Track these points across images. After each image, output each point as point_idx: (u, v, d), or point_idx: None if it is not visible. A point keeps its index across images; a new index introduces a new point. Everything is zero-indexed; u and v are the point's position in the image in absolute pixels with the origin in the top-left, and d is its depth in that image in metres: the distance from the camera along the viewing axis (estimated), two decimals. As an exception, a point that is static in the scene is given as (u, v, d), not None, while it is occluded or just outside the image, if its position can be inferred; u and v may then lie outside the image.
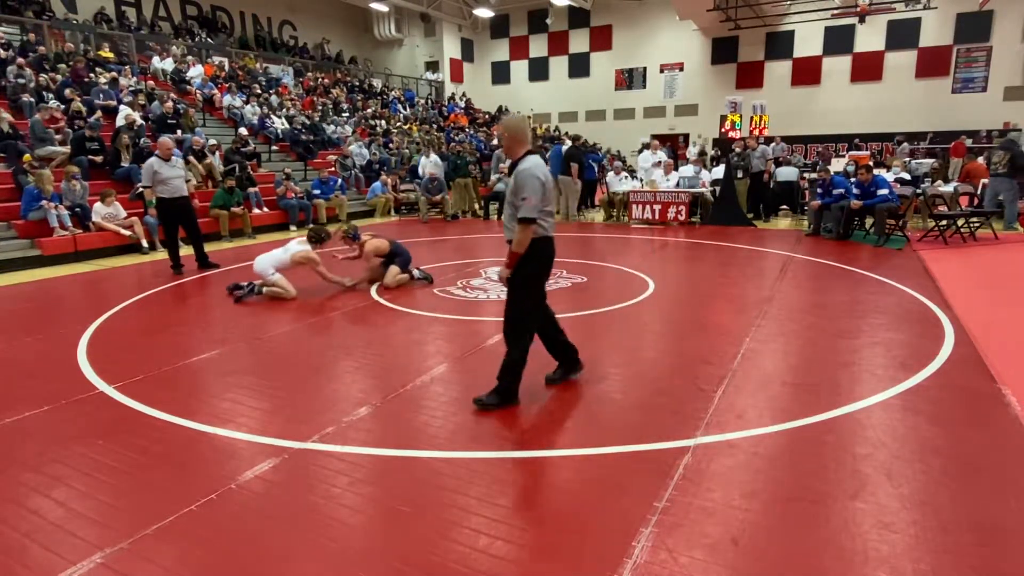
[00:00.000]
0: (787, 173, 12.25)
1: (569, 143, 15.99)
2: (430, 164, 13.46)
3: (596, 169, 14.78)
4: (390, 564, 2.19)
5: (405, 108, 21.81)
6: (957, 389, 3.63)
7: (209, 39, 20.22)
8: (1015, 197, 9.55)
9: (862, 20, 18.87)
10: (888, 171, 11.20)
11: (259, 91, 16.52)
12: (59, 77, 12.45)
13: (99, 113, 11.78)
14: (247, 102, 15.51)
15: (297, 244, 6.28)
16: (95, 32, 16.49)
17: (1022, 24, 18.86)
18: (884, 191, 8.77)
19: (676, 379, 3.92)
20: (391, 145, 16.90)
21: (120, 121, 11.54)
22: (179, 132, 12.12)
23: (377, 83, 23.58)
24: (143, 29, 18.72)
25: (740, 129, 12.03)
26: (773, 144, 11.58)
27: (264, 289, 6.13)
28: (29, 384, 4.02)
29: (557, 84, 26.45)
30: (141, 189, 8.28)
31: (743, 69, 22.91)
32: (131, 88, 13.34)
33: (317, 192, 12.58)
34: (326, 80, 20.68)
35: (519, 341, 3.44)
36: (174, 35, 19.15)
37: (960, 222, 8.98)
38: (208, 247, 8.28)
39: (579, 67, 25.91)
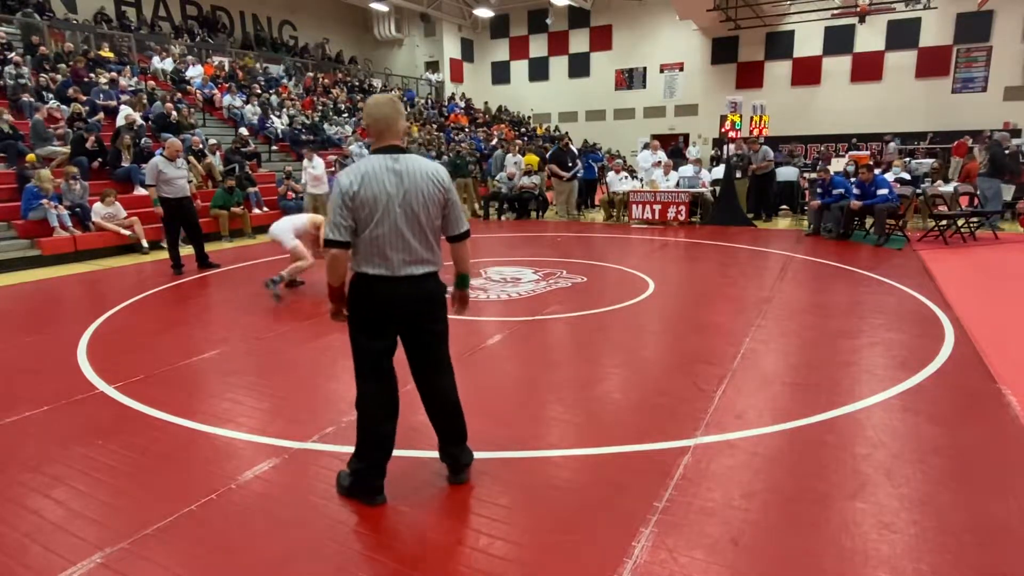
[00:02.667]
0: (787, 173, 12.25)
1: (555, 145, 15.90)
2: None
3: (596, 169, 14.78)
4: (390, 564, 2.19)
5: (405, 108, 21.78)
6: (957, 389, 3.62)
7: (209, 39, 20.21)
8: (996, 195, 9.63)
9: (862, 20, 18.85)
10: (888, 171, 11.21)
11: (259, 91, 16.53)
12: (59, 77, 12.46)
13: (101, 115, 11.78)
14: (247, 102, 15.51)
15: (313, 215, 6.68)
16: (95, 32, 16.49)
17: (1022, 24, 18.84)
18: (884, 191, 8.78)
19: (676, 379, 3.92)
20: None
21: (120, 121, 11.54)
22: (180, 132, 12.13)
23: (377, 83, 23.57)
24: (143, 29, 18.71)
25: (740, 129, 11.99)
26: (739, 153, 11.63)
27: (285, 273, 6.13)
28: (29, 384, 4.02)
29: (557, 84, 26.43)
30: (146, 192, 8.31)
31: (743, 69, 22.89)
32: (131, 88, 13.34)
33: (318, 192, 12.57)
34: (326, 80, 20.68)
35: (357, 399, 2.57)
36: (174, 35, 19.14)
37: (960, 222, 8.98)
38: (208, 247, 8.29)
39: (579, 67, 25.89)
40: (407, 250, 2.40)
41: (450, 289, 2.64)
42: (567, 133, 23.06)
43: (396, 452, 2.70)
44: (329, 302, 2.58)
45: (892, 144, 18.56)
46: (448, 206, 2.49)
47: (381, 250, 2.38)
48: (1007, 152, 9.91)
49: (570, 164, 12.35)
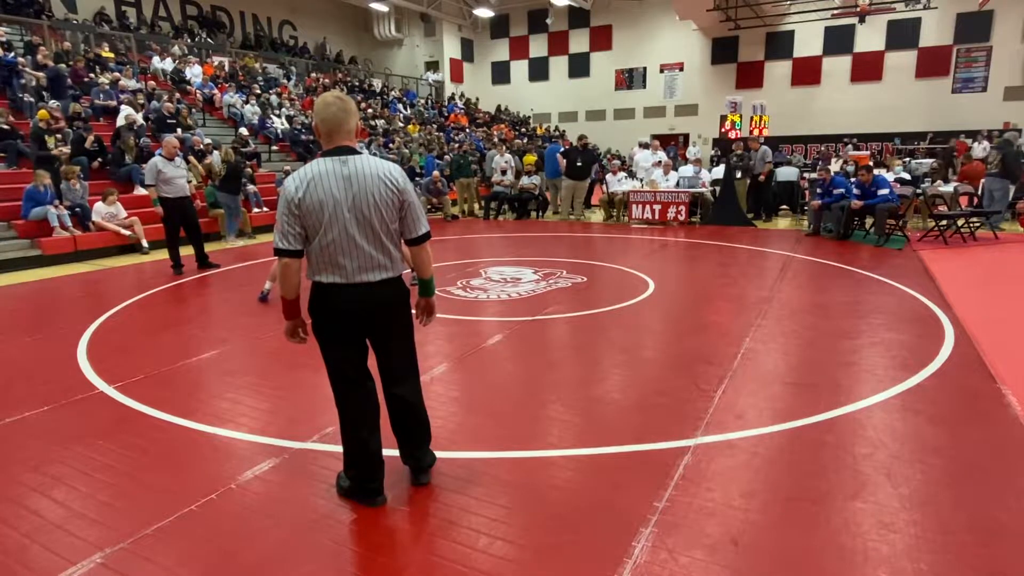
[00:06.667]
0: (787, 173, 12.25)
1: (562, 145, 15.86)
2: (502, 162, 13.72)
3: (594, 170, 14.78)
4: (390, 565, 2.19)
5: (405, 108, 21.80)
6: (957, 389, 3.62)
7: (209, 39, 20.21)
8: (1004, 196, 9.62)
9: (862, 20, 18.87)
10: (889, 171, 11.20)
11: (259, 91, 16.52)
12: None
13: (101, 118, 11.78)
14: (247, 102, 15.51)
15: None
16: (95, 32, 16.49)
17: (1022, 24, 18.84)
18: (884, 191, 8.78)
19: (676, 379, 3.91)
20: (391, 145, 16.91)
21: (120, 121, 11.54)
22: (179, 131, 12.11)
23: (377, 83, 23.57)
24: (143, 29, 18.71)
25: (740, 129, 12.00)
26: (739, 153, 11.64)
27: (268, 282, 6.11)
28: (29, 384, 4.02)
29: (557, 84, 26.43)
30: (146, 192, 8.32)
31: (743, 69, 22.89)
32: (131, 88, 13.34)
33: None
34: (326, 80, 20.68)
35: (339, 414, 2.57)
36: (174, 35, 19.14)
37: (960, 222, 8.98)
38: (208, 247, 8.29)
39: (579, 67, 25.89)
40: (360, 256, 2.30)
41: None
42: (584, 135, 23.03)
43: (395, 452, 2.71)
44: (284, 319, 2.45)
45: (849, 146, 18.90)
46: (405, 207, 2.36)
47: (333, 258, 2.29)
48: (1019, 150, 9.86)
49: (579, 163, 12.26)
